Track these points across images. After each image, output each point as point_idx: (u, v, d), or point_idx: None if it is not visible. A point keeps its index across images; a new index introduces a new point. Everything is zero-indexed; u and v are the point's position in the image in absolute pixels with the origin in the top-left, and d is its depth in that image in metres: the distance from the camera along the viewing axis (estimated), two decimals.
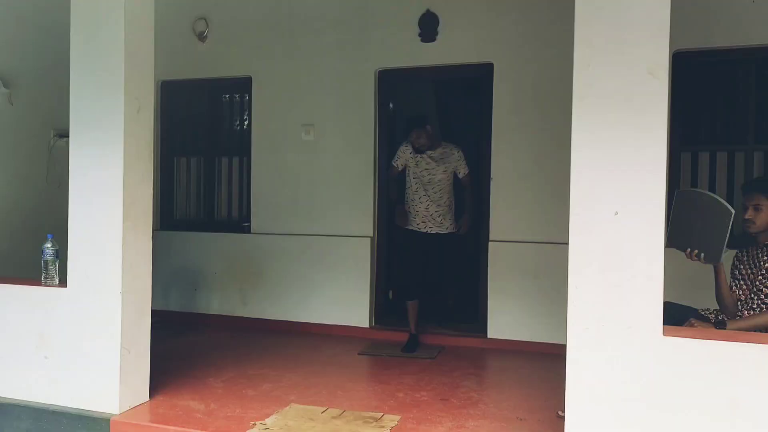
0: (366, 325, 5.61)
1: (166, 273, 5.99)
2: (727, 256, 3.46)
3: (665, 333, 2.59)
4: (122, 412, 3.54)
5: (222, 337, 5.53)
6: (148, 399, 3.75)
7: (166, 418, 3.51)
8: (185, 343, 5.23)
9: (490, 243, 5.29)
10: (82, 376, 3.60)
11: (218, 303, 6.10)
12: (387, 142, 5.75)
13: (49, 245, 3.79)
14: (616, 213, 2.64)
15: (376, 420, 3.49)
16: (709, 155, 4.90)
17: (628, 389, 2.62)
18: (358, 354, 4.99)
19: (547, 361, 4.48)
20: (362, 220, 5.70)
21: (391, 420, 3.48)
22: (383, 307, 5.77)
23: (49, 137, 5.37)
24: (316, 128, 5.80)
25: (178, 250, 6.16)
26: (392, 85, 5.78)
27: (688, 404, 2.55)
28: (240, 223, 6.18)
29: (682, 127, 4.88)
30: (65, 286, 3.69)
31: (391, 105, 5.82)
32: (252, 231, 6.06)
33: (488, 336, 5.28)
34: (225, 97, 6.46)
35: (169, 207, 6.55)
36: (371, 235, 5.66)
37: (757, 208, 3.20)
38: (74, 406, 3.60)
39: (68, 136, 3.72)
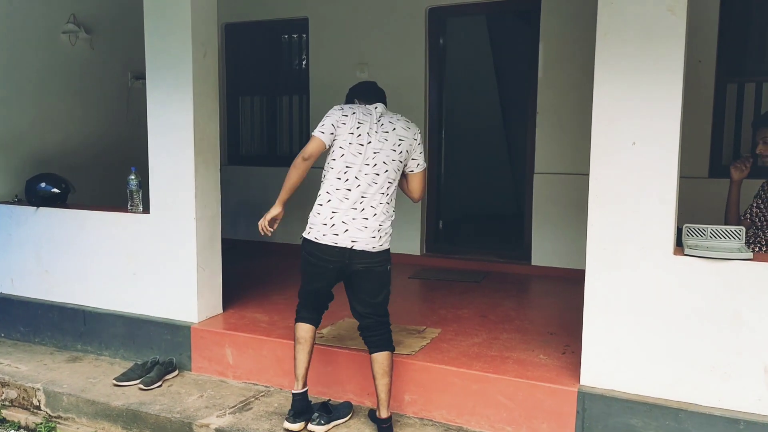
0: (417, 252, 6.00)
1: (234, 204, 6.51)
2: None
3: (675, 252, 2.84)
4: (200, 321, 4.10)
5: (284, 263, 6.04)
6: (222, 311, 4.30)
7: (237, 326, 4.04)
8: (251, 267, 5.77)
9: (534, 175, 5.52)
10: (165, 290, 4.16)
11: (281, 232, 6.55)
12: (437, 78, 5.96)
13: (133, 177, 4.30)
14: (634, 143, 2.85)
15: (419, 332, 3.90)
16: (755, 86, 4.91)
17: (640, 302, 2.90)
18: (409, 277, 5.40)
19: None
20: None
21: (432, 332, 3.89)
22: (434, 236, 6.12)
23: (127, 79, 5.87)
24: (370, 66, 6.06)
25: (244, 183, 6.66)
26: (442, 21, 5.95)
27: (696, 316, 2.82)
28: None
29: (728, 58, 4.89)
30: (148, 213, 4.21)
31: (441, 41, 5.99)
32: (312, 166, 6.45)
33: (532, 263, 5.58)
34: (284, 38, 6.78)
35: (236, 143, 7.02)
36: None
37: (766, 141, 3.39)
38: (160, 316, 4.18)
39: (144, 78, 4.16)
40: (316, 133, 3.12)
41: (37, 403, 3.81)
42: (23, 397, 3.86)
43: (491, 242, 6.44)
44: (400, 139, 3.12)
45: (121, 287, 4.32)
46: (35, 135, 5.10)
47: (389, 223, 3.12)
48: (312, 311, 3.33)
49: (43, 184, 4.59)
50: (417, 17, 5.85)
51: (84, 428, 3.60)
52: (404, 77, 5.94)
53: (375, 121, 3.13)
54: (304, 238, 3.20)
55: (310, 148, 3.11)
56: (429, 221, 6.06)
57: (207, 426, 3.30)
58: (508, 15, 6.49)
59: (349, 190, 3.06)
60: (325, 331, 3.91)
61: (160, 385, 3.80)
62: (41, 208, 4.55)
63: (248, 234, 6.71)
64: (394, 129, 3.13)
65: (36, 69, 5.10)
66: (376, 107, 3.19)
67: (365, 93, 3.28)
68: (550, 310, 4.48)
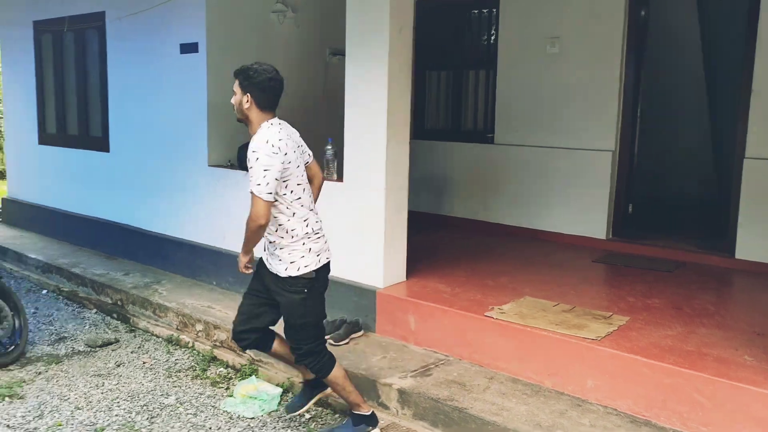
0: (602, 236, 5.73)
1: (416, 177, 6.66)
2: None
3: None
4: (385, 286, 4.29)
5: (464, 237, 6.10)
6: (405, 279, 4.46)
7: (420, 294, 4.18)
8: (432, 239, 5.89)
9: (745, 160, 4.99)
10: (354, 255, 4.40)
11: (461, 207, 6.67)
12: (636, 52, 5.59)
13: (329, 147, 4.58)
14: None
15: (605, 318, 3.75)
16: None
17: None
18: (593, 261, 5.20)
19: None
20: (604, 133, 5.71)
21: (620, 320, 3.72)
22: (621, 220, 5.81)
23: (325, 55, 6.23)
24: (561, 41, 5.85)
25: (427, 157, 6.79)
26: None
27: None
28: (484, 134, 6.56)
29: None
30: (342, 181, 4.47)
31: (642, 13, 5.60)
32: (495, 142, 6.42)
33: (736, 256, 5.07)
34: (473, 13, 6.75)
35: (420, 118, 7.17)
36: (613, 149, 5.66)
37: None
38: (349, 278, 4.44)
39: (341, 54, 4.38)
40: (263, 195, 2.81)
41: None
42: (231, 340, 4.33)
43: (687, 230, 5.96)
44: (302, 146, 3.17)
45: None
46: None
47: None
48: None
49: None
50: None
51: (281, 374, 3.96)
52: (598, 52, 5.65)
53: (294, 139, 3.08)
54: (318, 270, 3.08)
55: (264, 213, 2.84)
56: (617, 204, 5.75)
57: (390, 385, 3.48)
58: None
59: (314, 215, 3.14)
60: (506, 307, 3.91)
61: (348, 343, 4.06)
62: None
63: (428, 207, 6.88)
64: (297, 136, 3.15)
65: (248, 47, 5.57)
66: (279, 123, 3.05)
67: (272, 95, 3.03)
68: (757, 307, 4.06)
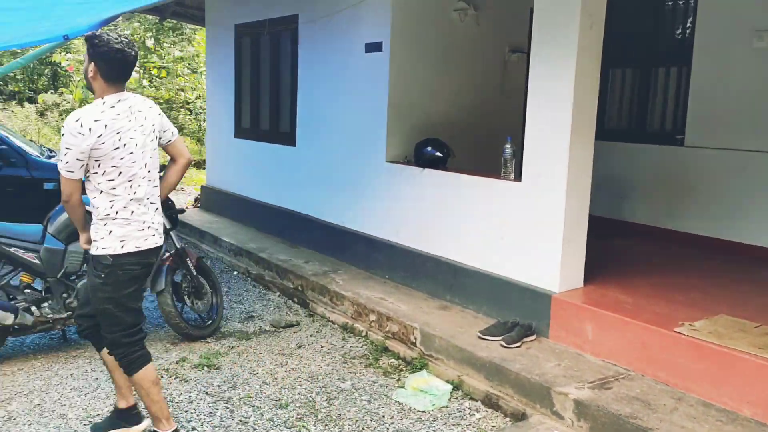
0: None
1: (595, 180, 6.35)
2: None
3: None
4: (561, 291, 4.15)
5: (646, 245, 5.72)
6: (582, 285, 4.28)
7: (599, 303, 3.99)
8: (612, 245, 5.59)
9: None
10: (530, 257, 4.31)
11: (643, 212, 6.26)
12: None
13: (508, 146, 4.52)
14: None
15: None
16: None
17: None
18: None
19: None
20: None
21: None
22: None
23: (503, 52, 6.14)
24: None
25: (607, 159, 6.40)
26: None
27: None
28: (673, 136, 6.10)
29: None
30: (519, 181, 4.38)
31: None
32: (685, 144, 5.94)
33: None
34: (668, 4, 6.28)
35: (601, 117, 6.80)
36: None
37: None
38: (522, 281, 4.35)
39: (520, 52, 4.28)
40: (63, 173, 2.84)
41: (414, 340, 4.35)
42: (402, 332, 4.45)
43: None
44: (152, 124, 3.02)
45: (489, 249, 4.61)
46: (423, 104, 5.69)
47: None
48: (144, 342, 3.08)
49: (429, 148, 5.13)
50: None
51: (451, 370, 4.00)
52: None
53: (130, 119, 2.91)
54: (118, 255, 2.90)
55: (67, 191, 2.89)
56: None
57: (566, 395, 3.36)
58: None
59: (140, 197, 2.97)
60: (698, 324, 3.60)
61: (519, 346, 3.99)
62: (426, 169, 5.10)
63: (607, 211, 6.53)
64: (145, 117, 2.98)
65: (429, 45, 5.67)
66: (119, 100, 2.89)
67: (119, 68, 2.87)
68: None
